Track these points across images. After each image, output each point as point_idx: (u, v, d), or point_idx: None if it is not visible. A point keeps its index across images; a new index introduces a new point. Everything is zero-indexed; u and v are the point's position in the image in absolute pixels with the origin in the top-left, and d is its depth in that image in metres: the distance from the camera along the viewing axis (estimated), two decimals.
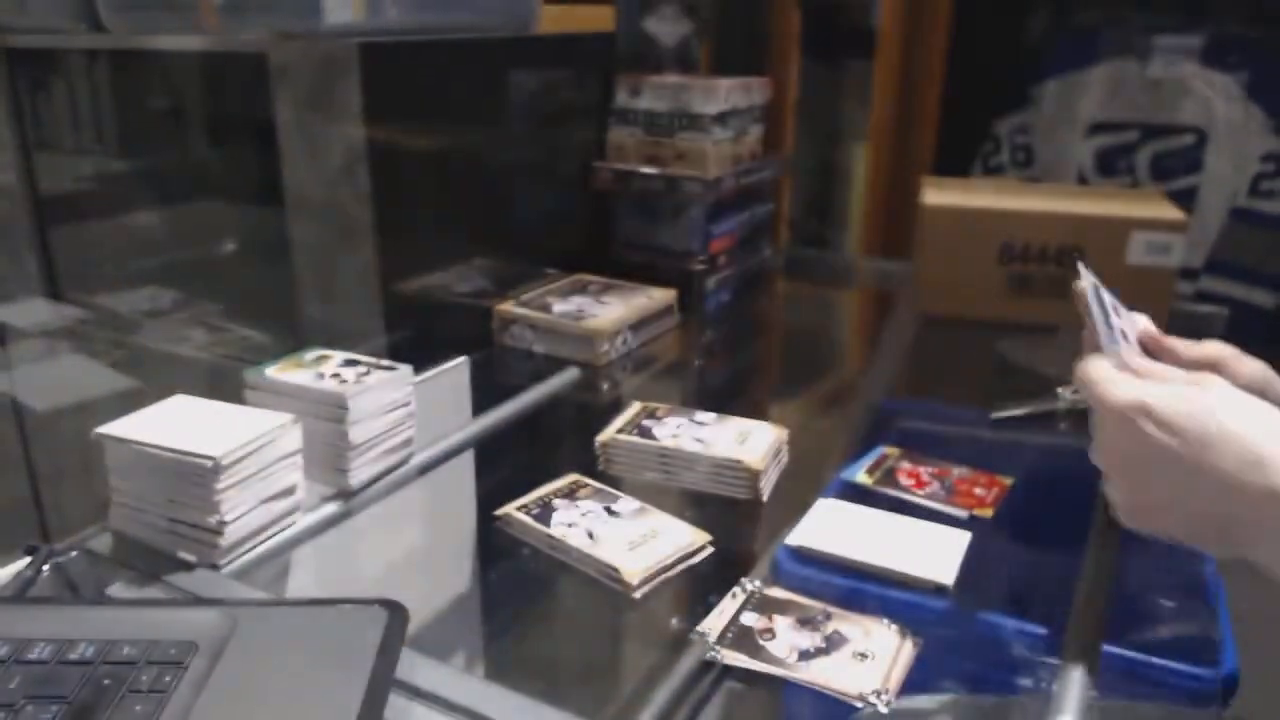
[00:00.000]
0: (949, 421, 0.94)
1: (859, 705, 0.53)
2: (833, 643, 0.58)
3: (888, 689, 0.54)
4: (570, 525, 0.70)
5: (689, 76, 1.27)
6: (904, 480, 0.78)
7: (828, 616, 0.60)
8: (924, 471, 0.79)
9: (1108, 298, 0.64)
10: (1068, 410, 0.91)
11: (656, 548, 0.67)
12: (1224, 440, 0.49)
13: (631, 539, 0.68)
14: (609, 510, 0.72)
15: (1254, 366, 0.61)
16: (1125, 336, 0.62)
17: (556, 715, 0.51)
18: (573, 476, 0.77)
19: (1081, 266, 0.65)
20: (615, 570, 0.65)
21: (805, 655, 0.57)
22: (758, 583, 0.63)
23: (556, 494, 0.75)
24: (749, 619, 0.60)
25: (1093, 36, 1.70)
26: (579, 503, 0.73)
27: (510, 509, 0.73)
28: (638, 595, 0.63)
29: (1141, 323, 0.65)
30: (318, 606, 0.53)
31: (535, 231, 1.18)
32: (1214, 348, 0.61)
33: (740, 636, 0.58)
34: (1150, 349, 0.63)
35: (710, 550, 0.69)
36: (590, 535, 0.69)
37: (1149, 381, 0.54)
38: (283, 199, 0.93)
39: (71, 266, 1.19)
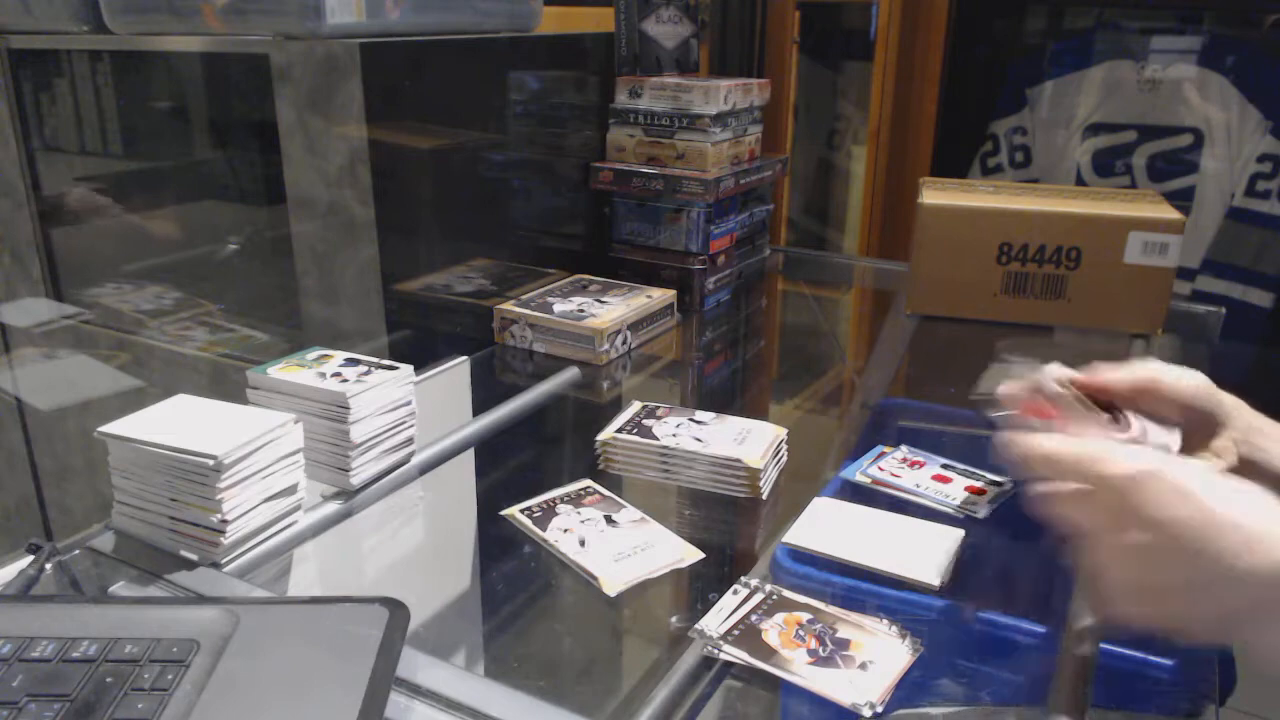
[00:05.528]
0: (947, 420, 0.94)
1: (849, 708, 0.53)
2: (831, 642, 0.58)
3: (883, 687, 0.54)
4: (565, 530, 0.71)
5: (689, 77, 1.28)
6: (902, 479, 0.78)
7: (826, 615, 0.60)
8: (922, 469, 0.79)
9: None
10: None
11: (642, 561, 0.67)
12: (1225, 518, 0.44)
13: (620, 550, 0.68)
14: (609, 519, 0.72)
15: (1192, 380, 0.57)
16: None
17: (557, 713, 0.51)
18: (585, 482, 0.78)
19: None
20: (595, 580, 0.65)
21: (804, 653, 0.57)
22: (756, 580, 0.64)
23: (563, 499, 0.75)
24: (749, 616, 0.60)
25: (1090, 38, 1.70)
26: (582, 509, 0.74)
27: (515, 510, 0.73)
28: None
29: (1056, 372, 0.59)
30: (319, 605, 0.54)
31: (535, 231, 1.18)
32: (1146, 371, 0.57)
33: (740, 634, 0.59)
34: (1080, 386, 0.58)
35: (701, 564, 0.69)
36: (581, 543, 0.69)
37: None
38: (284, 199, 0.94)
39: (73, 266, 1.19)
